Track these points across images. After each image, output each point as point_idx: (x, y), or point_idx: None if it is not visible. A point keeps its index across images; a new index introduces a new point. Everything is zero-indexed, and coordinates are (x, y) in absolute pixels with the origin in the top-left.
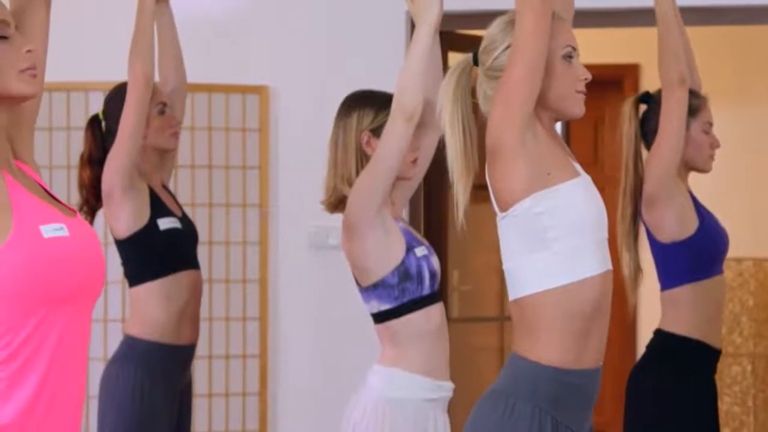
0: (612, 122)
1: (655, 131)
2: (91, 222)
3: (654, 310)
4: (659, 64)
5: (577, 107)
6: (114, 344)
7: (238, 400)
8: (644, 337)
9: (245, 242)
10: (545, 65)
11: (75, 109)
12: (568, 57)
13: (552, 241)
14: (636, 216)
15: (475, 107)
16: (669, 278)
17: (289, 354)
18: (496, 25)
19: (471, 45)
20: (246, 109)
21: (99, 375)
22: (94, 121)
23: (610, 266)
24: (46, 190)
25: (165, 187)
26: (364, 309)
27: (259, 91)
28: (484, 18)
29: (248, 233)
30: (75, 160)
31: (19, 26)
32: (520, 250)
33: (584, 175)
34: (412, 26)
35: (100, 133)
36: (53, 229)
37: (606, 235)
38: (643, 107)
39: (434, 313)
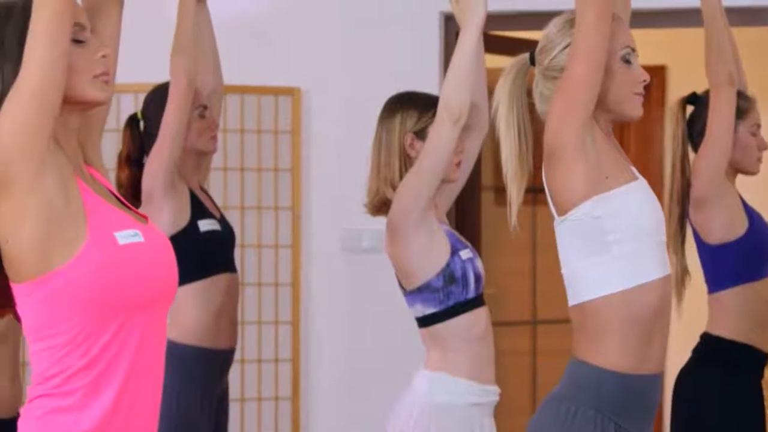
0: (636, 124)
1: (701, 133)
2: None
3: (694, 312)
4: (706, 64)
5: (635, 110)
6: None
7: (271, 404)
8: (681, 341)
9: (277, 245)
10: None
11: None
12: (627, 58)
13: (612, 244)
14: (683, 218)
15: (531, 108)
16: (717, 281)
17: (322, 358)
18: (554, 25)
19: (505, 46)
20: (278, 111)
21: None
22: (132, 121)
23: (669, 270)
24: (115, 195)
25: (203, 189)
26: (397, 312)
27: (291, 92)
28: (518, 19)
29: (280, 236)
30: (108, 163)
31: (92, 30)
32: (579, 255)
33: (641, 179)
34: (446, 26)
35: (139, 134)
36: (128, 236)
37: (664, 238)
38: (689, 108)
39: (480, 316)
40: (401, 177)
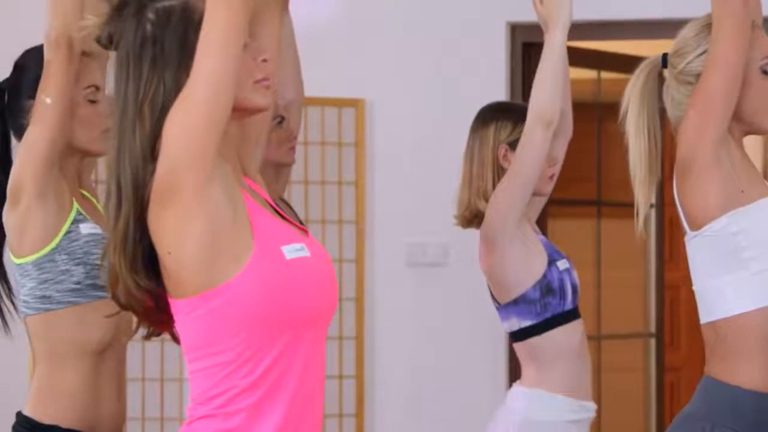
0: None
1: None
2: None
3: None
4: None
5: None
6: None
7: (335, 421)
8: None
9: (341, 259)
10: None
11: None
12: (766, 69)
13: (749, 261)
14: None
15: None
16: None
17: (386, 373)
18: (690, 28)
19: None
20: (342, 123)
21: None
22: None
23: None
24: (273, 208)
25: (284, 201)
26: (462, 326)
27: (355, 104)
28: (582, 28)
29: (344, 250)
30: None
31: (251, 35)
32: (713, 271)
33: None
34: (512, 36)
35: None
36: (294, 250)
37: None
38: None
39: (577, 329)
40: (494, 189)
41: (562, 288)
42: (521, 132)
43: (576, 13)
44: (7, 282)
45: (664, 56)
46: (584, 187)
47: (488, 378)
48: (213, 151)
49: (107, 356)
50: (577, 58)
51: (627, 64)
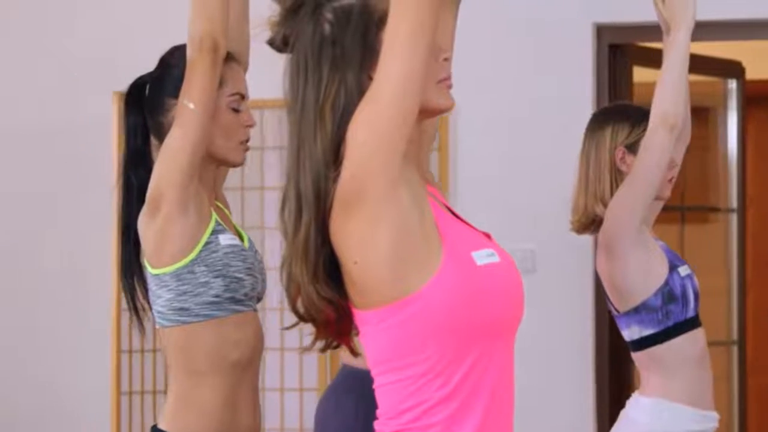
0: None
1: None
2: None
3: None
4: None
5: None
6: None
7: None
8: None
9: None
10: None
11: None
12: None
13: None
14: None
15: None
16: None
17: None
18: None
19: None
20: None
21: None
22: None
23: None
24: (452, 212)
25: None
26: (550, 331)
27: None
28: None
29: None
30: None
31: None
32: None
33: None
34: (598, 39)
35: None
36: (485, 256)
37: None
38: None
39: (699, 336)
40: (612, 193)
41: (684, 295)
42: (639, 134)
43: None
44: (144, 282)
45: None
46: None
47: (565, 381)
48: (400, 154)
49: (245, 372)
50: (661, 60)
51: (707, 66)
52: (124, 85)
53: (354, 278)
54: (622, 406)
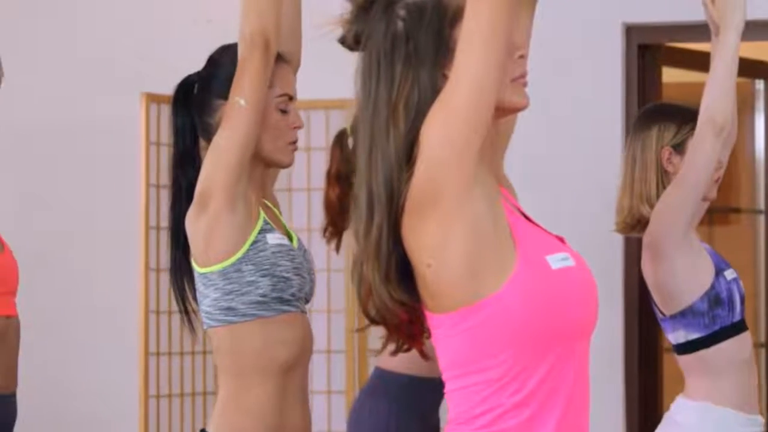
0: None
1: None
2: (338, 246)
3: None
4: None
5: None
6: None
7: None
8: None
9: None
10: None
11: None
12: None
13: None
14: None
15: None
16: None
17: None
18: None
19: (685, 58)
20: None
21: None
22: (341, 137)
23: None
24: (525, 216)
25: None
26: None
27: None
28: (697, 30)
29: None
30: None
31: None
32: None
33: None
34: (627, 39)
35: (348, 149)
36: (560, 259)
37: None
38: None
39: (745, 340)
40: (658, 193)
41: (730, 299)
42: (685, 134)
43: (685, 14)
44: (193, 284)
45: None
46: None
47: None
48: (476, 155)
49: (293, 374)
50: (690, 60)
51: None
52: (151, 86)
53: (427, 281)
54: (651, 409)
